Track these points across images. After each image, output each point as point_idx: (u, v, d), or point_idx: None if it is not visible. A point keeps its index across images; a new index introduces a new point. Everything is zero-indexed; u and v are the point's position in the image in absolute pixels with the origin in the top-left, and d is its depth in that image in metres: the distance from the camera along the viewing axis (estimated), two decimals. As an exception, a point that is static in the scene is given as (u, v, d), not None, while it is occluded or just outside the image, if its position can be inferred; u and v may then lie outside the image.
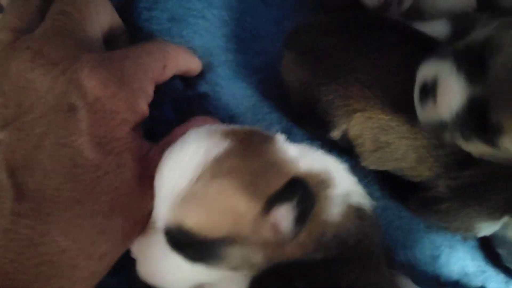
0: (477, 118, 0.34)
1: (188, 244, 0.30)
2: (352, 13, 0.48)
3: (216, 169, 0.30)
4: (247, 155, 0.31)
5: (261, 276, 0.31)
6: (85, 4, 0.36)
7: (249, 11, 0.52)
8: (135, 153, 0.34)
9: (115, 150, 0.32)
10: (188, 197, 0.30)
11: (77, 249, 0.30)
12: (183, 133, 0.34)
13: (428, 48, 0.39)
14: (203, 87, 0.47)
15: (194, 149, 0.31)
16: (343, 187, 0.34)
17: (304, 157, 0.34)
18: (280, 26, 0.52)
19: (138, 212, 0.34)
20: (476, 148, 0.37)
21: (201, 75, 0.47)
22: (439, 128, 0.37)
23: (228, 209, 0.30)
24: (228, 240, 0.30)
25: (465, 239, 0.49)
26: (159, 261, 0.33)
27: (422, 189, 0.45)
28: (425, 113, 0.38)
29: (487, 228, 0.43)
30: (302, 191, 0.30)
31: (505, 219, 0.40)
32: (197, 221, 0.30)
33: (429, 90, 0.36)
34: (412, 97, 0.38)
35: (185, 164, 0.31)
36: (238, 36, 0.51)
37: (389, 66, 0.41)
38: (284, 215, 0.30)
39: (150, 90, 0.36)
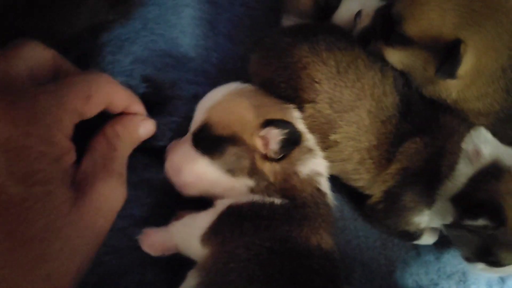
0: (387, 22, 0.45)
1: (205, 137, 0.44)
2: (309, 22, 0.56)
3: (240, 93, 0.46)
4: (263, 95, 0.47)
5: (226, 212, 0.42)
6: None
7: (216, 49, 0.57)
8: (65, 178, 0.36)
9: (39, 181, 0.34)
10: (216, 105, 0.45)
11: (16, 276, 0.32)
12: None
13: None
14: (173, 119, 0.51)
15: (229, 85, 0.47)
16: (319, 165, 0.46)
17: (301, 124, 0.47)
18: (245, 61, 0.55)
19: (79, 230, 0.36)
20: (393, 55, 0.46)
21: (171, 106, 0.51)
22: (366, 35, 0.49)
23: (239, 117, 0.43)
24: (232, 139, 0.43)
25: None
26: (183, 156, 0.45)
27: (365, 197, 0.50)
28: (357, 26, 0.51)
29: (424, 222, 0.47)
30: (292, 130, 0.42)
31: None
32: (217, 119, 0.44)
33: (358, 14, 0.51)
34: (361, 98, 0.46)
35: (219, 91, 0.46)
36: (205, 70, 0.55)
37: (339, 66, 0.46)
38: (273, 136, 0.42)
39: (68, 121, 0.37)
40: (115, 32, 0.50)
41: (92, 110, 0.39)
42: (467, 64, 0.41)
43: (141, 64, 0.50)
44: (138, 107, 0.43)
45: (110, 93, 0.40)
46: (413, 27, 0.43)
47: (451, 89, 0.45)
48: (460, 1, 0.40)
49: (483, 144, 0.42)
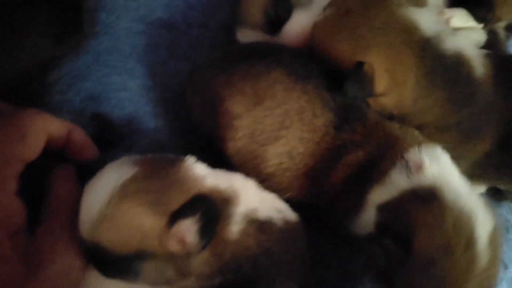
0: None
1: (106, 261, 0.34)
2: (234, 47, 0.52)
3: (124, 192, 0.34)
4: (151, 177, 0.35)
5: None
6: None
7: (176, 74, 0.54)
8: (14, 249, 0.33)
9: None
10: (101, 218, 0.34)
11: None
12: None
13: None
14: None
15: (106, 177, 0.36)
16: (248, 204, 0.38)
17: (210, 176, 0.38)
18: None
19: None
20: None
21: (129, 142, 0.49)
22: None
23: (135, 226, 0.34)
24: (140, 256, 0.34)
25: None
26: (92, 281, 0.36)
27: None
28: None
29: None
30: (205, 206, 0.34)
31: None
32: (110, 239, 0.34)
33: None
34: (287, 126, 0.42)
35: (99, 190, 0.35)
36: (166, 99, 0.53)
37: (256, 96, 0.42)
38: (187, 228, 0.34)
39: (8, 175, 0.35)
40: (65, 68, 0.48)
41: (32, 150, 0.37)
42: (381, 82, 0.42)
43: (93, 101, 0.47)
44: (78, 135, 0.41)
45: (45, 126, 0.38)
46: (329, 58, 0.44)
47: (387, 105, 0.44)
48: (350, 31, 0.43)
49: (430, 161, 0.38)
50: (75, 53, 0.49)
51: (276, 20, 0.52)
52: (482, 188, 0.61)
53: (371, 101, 0.44)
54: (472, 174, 0.52)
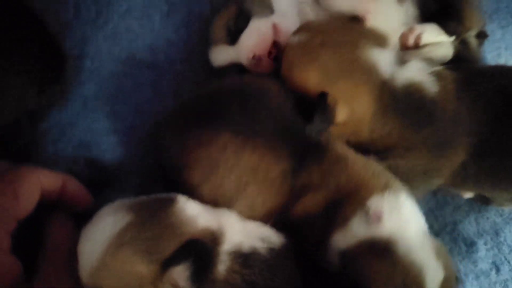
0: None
1: None
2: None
3: (119, 241, 0.36)
4: (145, 224, 0.37)
5: None
6: None
7: (163, 111, 0.55)
8: None
9: None
10: (100, 266, 0.36)
11: None
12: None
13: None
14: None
15: (102, 224, 0.37)
16: (233, 240, 0.39)
17: (202, 216, 0.39)
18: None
19: None
20: None
21: (122, 184, 0.50)
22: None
23: (132, 273, 0.35)
24: None
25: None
26: None
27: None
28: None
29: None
30: (196, 252, 0.36)
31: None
32: (109, 285, 0.36)
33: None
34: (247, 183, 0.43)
35: (96, 238, 0.37)
36: (154, 137, 0.55)
37: (210, 161, 0.43)
38: (179, 275, 0.35)
39: (2, 234, 0.36)
40: (54, 118, 0.50)
41: (25, 208, 0.38)
42: (341, 113, 0.45)
43: (85, 148, 0.49)
44: (73, 185, 0.43)
45: (38, 183, 0.39)
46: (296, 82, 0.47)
47: (345, 134, 0.47)
48: (321, 64, 0.46)
49: (389, 212, 0.39)
50: (61, 101, 0.50)
51: (237, 32, 0.55)
52: (470, 194, 0.63)
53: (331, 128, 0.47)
54: (453, 183, 0.54)
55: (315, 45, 0.47)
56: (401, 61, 0.50)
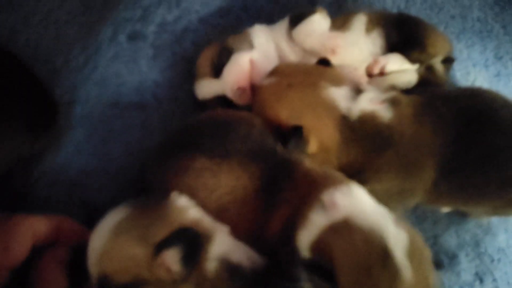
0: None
1: None
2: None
3: (118, 230, 0.41)
4: (141, 215, 0.42)
5: None
6: None
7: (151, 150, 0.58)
8: None
9: None
10: (103, 253, 0.40)
11: None
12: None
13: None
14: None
15: (105, 221, 0.42)
16: (222, 245, 0.42)
17: (193, 209, 0.43)
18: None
19: None
20: None
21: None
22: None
23: (129, 257, 0.39)
24: (137, 283, 0.39)
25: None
26: None
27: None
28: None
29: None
30: (187, 237, 0.39)
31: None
32: (111, 269, 0.39)
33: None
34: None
35: (100, 232, 0.41)
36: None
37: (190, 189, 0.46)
38: (171, 257, 0.38)
39: None
40: (48, 162, 0.52)
41: (16, 258, 0.39)
42: (313, 144, 0.51)
43: (79, 189, 0.51)
44: (68, 225, 0.44)
45: (31, 231, 0.41)
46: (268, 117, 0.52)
47: (316, 162, 0.51)
48: (289, 103, 0.52)
49: (342, 197, 0.42)
50: (55, 147, 0.53)
51: (220, 66, 0.60)
52: (448, 208, 0.66)
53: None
54: (429, 201, 0.58)
55: (283, 87, 0.53)
56: (357, 93, 0.55)
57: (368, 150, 0.52)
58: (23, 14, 0.64)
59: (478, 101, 0.56)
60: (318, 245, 0.40)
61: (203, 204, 0.45)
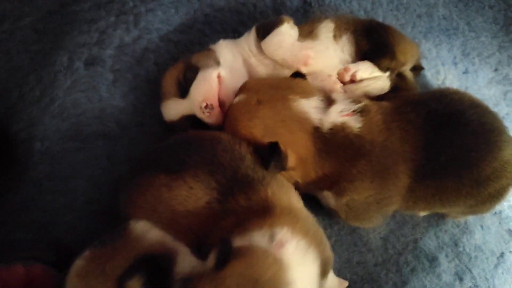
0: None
1: None
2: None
3: (80, 274, 0.42)
4: (100, 254, 0.44)
5: None
6: None
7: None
8: None
9: None
10: None
11: None
12: None
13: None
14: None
15: (70, 271, 0.43)
16: (185, 266, 0.44)
17: (152, 232, 0.46)
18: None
19: None
20: None
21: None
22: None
23: None
24: None
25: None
26: None
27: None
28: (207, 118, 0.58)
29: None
30: (146, 263, 0.41)
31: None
32: None
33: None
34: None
35: (69, 283, 0.42)
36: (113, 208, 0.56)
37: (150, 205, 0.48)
38: (137, 284, 0.40)
39: None
40: (9, 204, 0.50)
41: None
42: (291, 159, 0.52)
43: (46, 229, 0.50)
44: (38, 270, 0.44)
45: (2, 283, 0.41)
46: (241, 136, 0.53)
47: (295, 177, 0.53)
48: (261, 120, 0.52)
49: (292, 248, 0.43)
50: (13, 187, 0.51)
51: (187, 84, 0.58)
52: (425, 212, 0.67)
53: (283, 174, 0.52)
54: (407, 207, 0.59)
55: (253, 104, 0.53)
56: (328, 102, 0.55)
57: (341, 161, 0.53)
58: (-28, 46, 0.61)
59: (446, 104, 0.56)
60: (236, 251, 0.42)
61: (160, 219, 0.47)
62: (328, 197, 0.57)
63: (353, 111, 0.54)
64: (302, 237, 0.44)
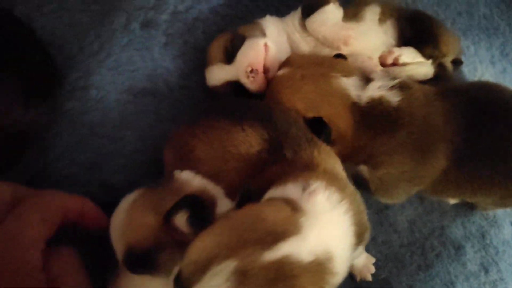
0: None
1: (134, 260, 0.45)
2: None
3: (133, 205, 0.47)
4: (152, 192, 0.48)
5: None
6: None
7: (163, 136, 0.59)
8: None
9: None
10: (124, 228, 0.46)
11: None
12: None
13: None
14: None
15: (123, 202, 0.48)
16: (223, 208, 0.48)
17: (196, 180, 0.50)
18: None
19: None
20: None
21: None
22: None
23: (146, 226, 0.45)
24: (157, 248, 0.45)
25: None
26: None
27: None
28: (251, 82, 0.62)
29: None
30: (190, 202, 0.44)
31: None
32: (133, 240, 0.45)
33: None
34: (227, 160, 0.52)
35: (119, 211, 0.47)
36: (157, 159, 0.58)
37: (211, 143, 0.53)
38: (180, 220, 0.44)
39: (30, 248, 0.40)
40: (63, 143, 0.55)
41: (51, 230, 0.42)
42: (333, 132, 0.55)
43: (96, 170, 0.54)
44: (90, 207, 0.47)
45: (62, 206, 0.44)
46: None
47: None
48: (303, 95, 0.57)
49: (322, 199, 0.43)
50: (50, 119, 0.55)
51: (233, 50, 0.63)
52: (455, 200, 0.68)
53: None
54: (435, 190, 0.60)
55: (297, 78, 0.57)
56: (366, 82, 0.59)
57: (380, 133, 0.55)
58: (37, 3, 0.66)
59: (487, 93, 0.59)
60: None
61: (213, 157, 0.52)
62: (363, 171, 0.60)
63: (392, 86, 0.57)
64: (339, 194, 0.45)
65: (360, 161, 0.59)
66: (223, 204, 0.49)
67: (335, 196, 0.44)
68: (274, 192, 0.46)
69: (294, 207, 0.42)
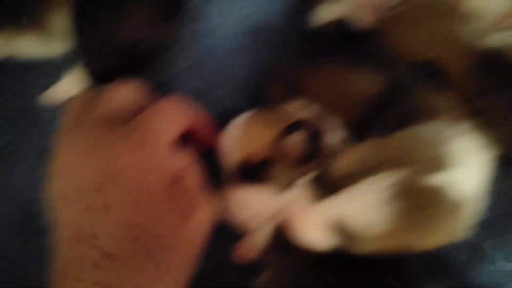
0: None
1: (250, 170, 0.49)
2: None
3: (249, 122, 0.51)
4: (265, 114, 0.52)
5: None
6: None
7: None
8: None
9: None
10: (241, 139, 0.50)
11: None
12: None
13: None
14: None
15: (238, 119, 0.52)
16: (333, 139, 0.51)
17: (307, 108, 0.52)
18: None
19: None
20: None
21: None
22: None
23: (261, 140, 0.49)
24: (269, 161, 0.48)
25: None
26: (243, 197, 0.50)
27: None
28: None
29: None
30: (306, 125, 0.49)
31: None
32: (250, 151, 0.49)
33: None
34: None
35: (235, 125, 0.51)
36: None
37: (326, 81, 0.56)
38: (295, 139, 0.48)
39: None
40: (182, 62, 0.58)
41: (178, 133, 0.45)
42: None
43: (214, 88, 0.58)
44: (207, 121, 0.51)
45: (189, 117, 0.47)
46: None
47: None
48: (416, 34, 0.57)
49: None
50: (171, 38, 0.60)
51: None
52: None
53: None
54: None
55: (410, 18, 0.58)
56: (485, 33, 0.58)
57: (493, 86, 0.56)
58: None
59: None
60: None
61: (329, 91, 0.54)
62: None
63: None
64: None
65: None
66: (336, 135, 0.51)
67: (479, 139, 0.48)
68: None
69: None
